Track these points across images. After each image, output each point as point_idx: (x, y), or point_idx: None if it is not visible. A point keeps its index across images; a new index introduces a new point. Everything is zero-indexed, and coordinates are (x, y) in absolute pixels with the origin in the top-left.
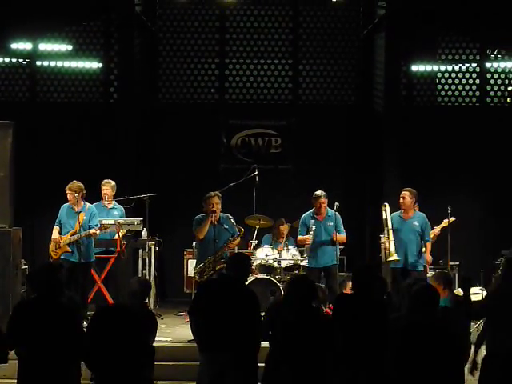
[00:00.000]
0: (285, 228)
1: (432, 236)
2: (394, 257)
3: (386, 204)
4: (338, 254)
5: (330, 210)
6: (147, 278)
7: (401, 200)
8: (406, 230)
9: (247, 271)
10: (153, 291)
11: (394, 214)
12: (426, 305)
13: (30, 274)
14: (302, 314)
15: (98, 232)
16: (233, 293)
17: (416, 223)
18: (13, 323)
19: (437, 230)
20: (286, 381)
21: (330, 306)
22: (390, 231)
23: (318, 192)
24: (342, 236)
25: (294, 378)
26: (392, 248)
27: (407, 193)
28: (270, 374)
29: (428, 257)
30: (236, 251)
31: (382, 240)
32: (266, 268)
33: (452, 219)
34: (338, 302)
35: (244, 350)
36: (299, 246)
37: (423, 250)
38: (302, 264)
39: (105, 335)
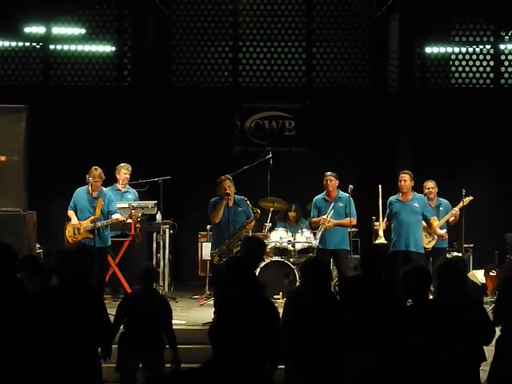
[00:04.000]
0: (292, 215)
1: (452, 219)
2: (382, 240)
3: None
4: (347, 238)
5: (342, 192)
6: (152, 263)
7: (402, 183)
8: (406, 212)
9: (261, 255)
10: (167, 274)
11: (390, 198)
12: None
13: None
14: (319, 297)
15: (124, 220)
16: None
17: (416, 204)
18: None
19: (455, 210)
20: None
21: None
22: (381, 213)
23: (328, 172)
24: (351, 219)
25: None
26: (381, 231)
27: (407, 175)
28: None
29: (437, 232)
30: (250, 234)
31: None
32: (280, 251)
33: (470, 198)
34: (346, 283)
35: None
36: (313, 228)
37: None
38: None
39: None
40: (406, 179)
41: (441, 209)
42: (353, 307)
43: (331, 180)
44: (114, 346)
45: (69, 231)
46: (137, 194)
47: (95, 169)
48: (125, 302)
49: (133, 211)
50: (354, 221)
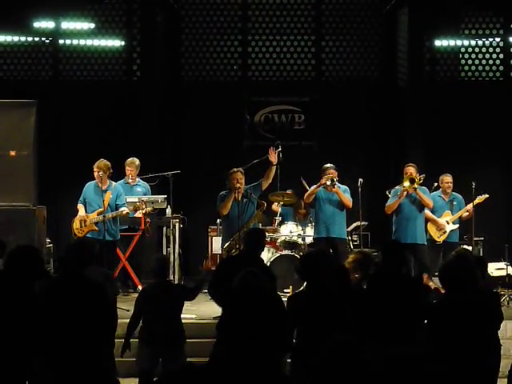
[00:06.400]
0: (302, 212)
1: (466, 214)
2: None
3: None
4: (345, 229)
5: (341, 185)
6: (165, 255)
7: (409, 175)
8: (409, 203)
9: (260, 246)
10: (177, 269)
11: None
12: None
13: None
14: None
15: (129, 212)
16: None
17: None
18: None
19: (470, 207)
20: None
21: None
22: None
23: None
24: (346, 197)
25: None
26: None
27: (412, 168)
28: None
29: None
30: (260, 227)
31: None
32: (290, 244)
33: (485, 196)
34: (372, 278)
35: None
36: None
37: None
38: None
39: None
40: (411, 172)
41: (454, 203)
42: (376, 303)
43: (333, 173)
44: (135, 340)
45: (75, 224)
46: (148, 186)
47: (100, 161)
48: (141, 297)
49: (137, 203)
50: (348, 200)
